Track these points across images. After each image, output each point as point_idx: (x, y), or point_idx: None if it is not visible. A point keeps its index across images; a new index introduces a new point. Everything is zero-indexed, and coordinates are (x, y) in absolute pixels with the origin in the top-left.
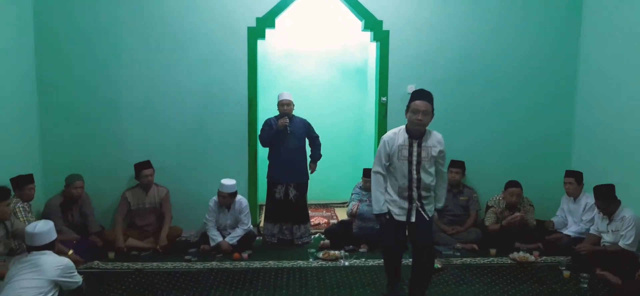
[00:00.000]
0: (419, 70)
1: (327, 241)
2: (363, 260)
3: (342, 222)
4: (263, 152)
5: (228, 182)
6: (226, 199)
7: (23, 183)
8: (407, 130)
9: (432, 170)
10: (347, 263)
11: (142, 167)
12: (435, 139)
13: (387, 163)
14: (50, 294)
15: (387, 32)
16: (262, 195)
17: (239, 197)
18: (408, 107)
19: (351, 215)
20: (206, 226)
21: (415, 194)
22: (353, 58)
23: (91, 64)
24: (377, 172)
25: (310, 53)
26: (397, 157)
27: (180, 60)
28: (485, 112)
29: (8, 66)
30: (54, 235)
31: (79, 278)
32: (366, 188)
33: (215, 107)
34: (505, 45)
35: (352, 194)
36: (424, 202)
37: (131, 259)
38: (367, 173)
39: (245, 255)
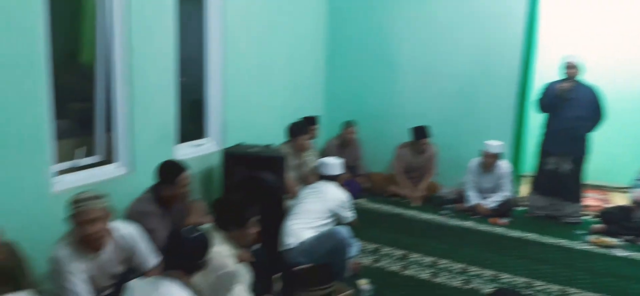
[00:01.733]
0: None
1: (601, 225)
2: None
3: (622, 207)
4: (534, 120)
5: (494, 142)
6: (489, 159)
7: (310, 123)
8: None
9: None
10: (623, 254)
11: (421, 134)
12: None
13: None
14: (329, 221)
15: None
16: (525, 165)
17: (502, 161)
18: None
19: (635, 201)
20: (464, 186)
21: None
22: None
23: (372, 20)
24: None
25: (605, 9)
26: None
27: (456, 17)
28: None
29: (306, 26)
30: (340, 170)
31: (351, 215)
32: None
33: (486, 66)
34: None
35: (636, 179)
36: None
37: (392, 204)
38: None
39: (503, 221)
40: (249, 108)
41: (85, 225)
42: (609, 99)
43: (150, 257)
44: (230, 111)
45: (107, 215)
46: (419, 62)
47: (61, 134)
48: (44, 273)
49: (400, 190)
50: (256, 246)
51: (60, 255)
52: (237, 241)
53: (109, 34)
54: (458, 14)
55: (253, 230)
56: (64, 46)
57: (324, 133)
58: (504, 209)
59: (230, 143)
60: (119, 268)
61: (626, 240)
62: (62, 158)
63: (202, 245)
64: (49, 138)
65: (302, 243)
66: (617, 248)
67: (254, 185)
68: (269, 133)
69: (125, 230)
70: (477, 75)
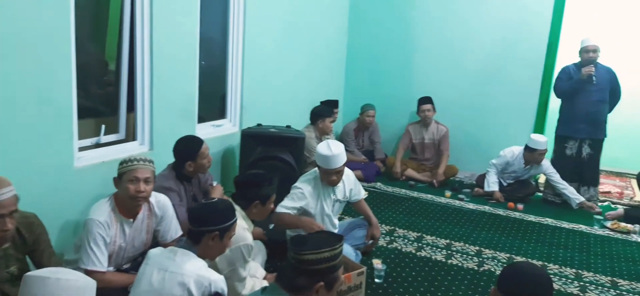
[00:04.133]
0: None
1: (620, 209)
2: None
3: None
4: (554, 103)
5: (542, 138)
6: (539, 158)
7: (331, 106)
8: None
9: None
10: None
11: (422, 102)
12: None
13: None
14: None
15: None
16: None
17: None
18: None
19: None
20: (488, 171)
21: None
22: None
23: (392, 2)
24: None
25: None
26: None
27: None
28: None
29: (328, 9)
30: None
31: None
32: None
33: (510, 48)
34: None
35: None
36: None
37: (409, 188)
38: None
39: (520, 205)
40: (269, 91)
41: (136, 182)
42: (630, 85)
43: (174, 229)
44: (250, 93)
45: (154, 179)
46: (440, 44)
47: (85, 113)
48: (64, 246)
49: (417, 175)
50: (271, 225)
51: (97, 218)
52: (255, 217)
53: (133, 16)
54: None
55: (270, 207)
56: (90, 28)
57: (343, 116)
58: (524, 194)
59: (250, 124)
60: (148, 238)
61: None
62: (85, 136)
63: (228, 209)
64: (73, 116)
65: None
66: (635, 234)
67: (271, 163)
68: (288, 115)
69: (160, 196)
70: (501, 54)
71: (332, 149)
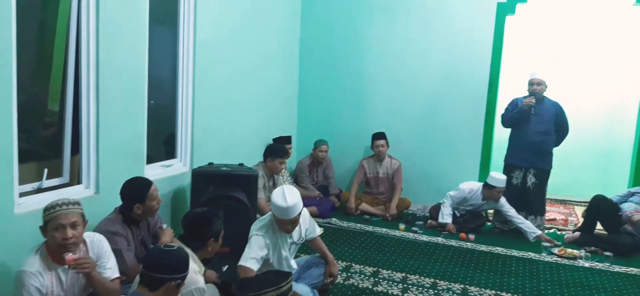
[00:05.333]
0: None
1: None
2: (607, 264)
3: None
4: (500, 135)
5: (501, 176)
6: (497, 195)
7: (283, 142)
8: None
9: None
10: (586, 264)
11: (376, 137)
12: None
13: None
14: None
15: None
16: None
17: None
18: None
19: (631, 221)
20: (444, 202)
21: None
22: (616, 37)
23: (344, 37)
24: None
25: (566, 30)
26: None
27: (426, 34)
28: None
29: (278, 47)
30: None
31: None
32: None
33: (454, 83)
34: None
35: (621, 196)
36: None
37: (364, 222)
38: None
39: (471, 236)
40: (221, 129)
41: (62, 229)
42: (571, 116)
43: (112, 270)
44: (201, 131)
45: (84, 222)
46: (389, 80)
47: (27, 157)
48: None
49: (371, 209)
50: (225, 267)
51: (28, 269)
52: (209, 255)
53: (78, 56)
54: (428, 31)
55: (221, 242)
56: (33, 68)
57: (297, 152)
58: (475, 225)
59: (201, 163)
60: (83, 281)
61: (589, 251)
62: (27, 181)
63: (184, 258)
64: (13, 160)
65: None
66: (581, 259)
67: (224, 203)
68: (241, 153)
69: (95, 236)
70: (446, 91)
71: (288, 200)
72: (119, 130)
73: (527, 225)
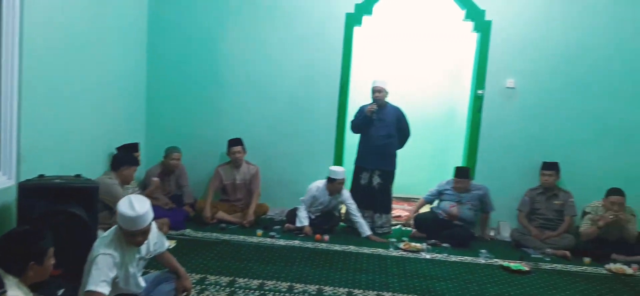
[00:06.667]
0: (520, 64)
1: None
2: (445, 255)
3: (433, 212)
4: (351, 138)
5: (340, 168)
6: (338, 187)
7: (130, 150)
8: None
9: None
10: (428, 256)
11: (232, 144)
12: None
13: None
14: None
15: (490, 22)
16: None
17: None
18: None
19: (451, 215)
20: (299, 208)
21: None
22: (449, 48)
23: (197, 40)
24: None
25: (407, 41)
26: None
27: (281, 38)
28: (587, 112)
29: (124, 41)
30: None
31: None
32: (458, 189)
33: (309, 88)
34: (616, 43)
35: (440, 193)
36: None
37: (220, 231)
38: (462, 173)
39: (326, 237)
40: (54, 137)
41: None
42: (412, 119)
43: None
44: (30, 140)
45: None
46: (246, 84)
47: None
48: None
49: (229, 217)
50: (60, 291)
51: None
52: (35, 280)
53: None
54: (285, 36)
55: (51, 262)
56: None
57: (146, 160)
58: (329, 225)
59: (30, 175)
60: None
61: (430, 244)
62: None
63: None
64: None
65: None
66: (423, 252)
67: (58, 219)
68: (80, 163)
69: None
70: (302, 95)
71: (137, 209)
72: None
73: (360, 224)
